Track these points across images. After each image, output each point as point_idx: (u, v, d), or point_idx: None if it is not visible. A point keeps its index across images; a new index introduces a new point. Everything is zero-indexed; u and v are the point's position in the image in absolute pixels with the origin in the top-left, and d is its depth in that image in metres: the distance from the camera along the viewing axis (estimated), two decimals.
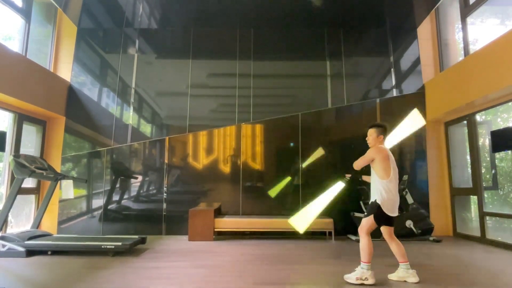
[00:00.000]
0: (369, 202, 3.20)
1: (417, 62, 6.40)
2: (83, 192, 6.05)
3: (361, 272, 2.99)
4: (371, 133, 3.24)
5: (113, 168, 6.08)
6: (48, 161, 5.35)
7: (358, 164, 3.21)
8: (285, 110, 6.28)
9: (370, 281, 2.95)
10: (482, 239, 5.07)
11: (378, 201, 3.05)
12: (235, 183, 6.04)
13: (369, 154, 3.14)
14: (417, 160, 6.17)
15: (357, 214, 5.42)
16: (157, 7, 6.17)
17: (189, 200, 5.96)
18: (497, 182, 5.17)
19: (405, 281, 3.05)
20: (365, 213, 3.18)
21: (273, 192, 6.04)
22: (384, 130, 3.21)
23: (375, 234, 5.20)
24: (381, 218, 3.07)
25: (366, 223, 3.09)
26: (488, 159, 5.29)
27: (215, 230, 5.34)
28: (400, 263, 3.12)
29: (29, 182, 5.59)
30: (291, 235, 5.48)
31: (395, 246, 3.13)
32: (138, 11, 6.19)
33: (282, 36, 6.51)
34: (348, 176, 3.75)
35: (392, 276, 3.13)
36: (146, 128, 6.38)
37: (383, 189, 3.05)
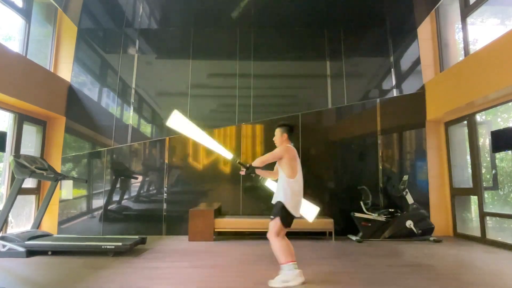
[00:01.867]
0: (274, 203, 3.03)
1: (417, 62, 6.39)
2: (83, 192, 6.06)
3: (286, 275, 2.80)
4: (277, 133, 3.28)
5: (113, 168, 6.08)
6: (48, 161, 5.35)
7: (263, 160, 3.09)
8: (285, 110, 6.28)
9: (299, 279, 2.77)
10: (483, 239, 5.07)
11: (282, 201, 2.93)
12: (235, 183, 6.03)
13: (278, 152, 3.11)
14: (417, 160, 6.17)
15: (357, 214, 5.42)
16: (157, 7, 6.17)
17: (189, 200, 5.95)
18: (497, 182, 5.17)
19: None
20: (271, 217, 3.00)
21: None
22: (288, 129, 3.25)
23: (376, 235, 5.27)
24: (288, 218, 2.95)
25: (273, 226, 2.94)
26: (488, 159, 5.29)
27: (215, 230, 5.34)
28: (283, 264, 2.87)
29: (29, 183, 5.58)
30: (291, 235, 5.46)
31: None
32: (138, 11, 6.18)
33: (282, 36, 6.51)
34: (240, 164, 3.21)
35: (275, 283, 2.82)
36: (146, 128, 6.37)
37: (288, 188, 2.95)
